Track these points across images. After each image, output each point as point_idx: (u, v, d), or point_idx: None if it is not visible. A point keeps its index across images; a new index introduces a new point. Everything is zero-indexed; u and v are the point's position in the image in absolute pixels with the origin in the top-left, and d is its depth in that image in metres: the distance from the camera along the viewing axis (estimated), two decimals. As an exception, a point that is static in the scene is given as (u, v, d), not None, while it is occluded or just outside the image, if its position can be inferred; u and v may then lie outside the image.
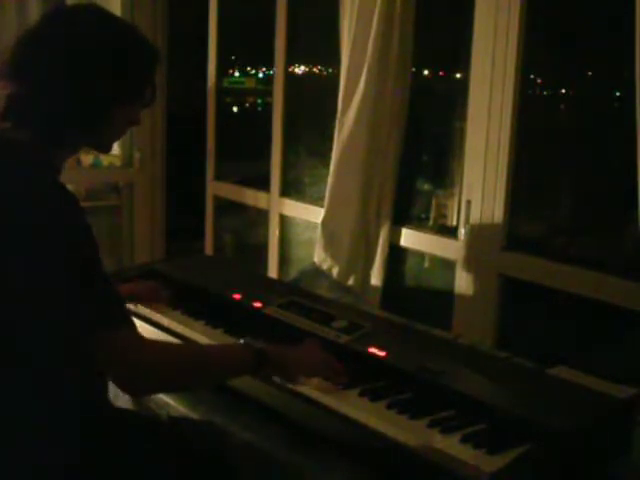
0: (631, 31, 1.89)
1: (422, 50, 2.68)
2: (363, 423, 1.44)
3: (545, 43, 2.44)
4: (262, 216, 3.54)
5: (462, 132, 2.57)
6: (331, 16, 2.80)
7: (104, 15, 1.48)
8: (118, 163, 4.20)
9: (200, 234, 4.03)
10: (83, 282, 1.31)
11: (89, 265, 1.33)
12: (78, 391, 1.39)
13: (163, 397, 1.75)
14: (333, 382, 1.59)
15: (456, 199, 2.61)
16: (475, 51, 2.45)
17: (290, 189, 3.39)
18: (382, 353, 1.67)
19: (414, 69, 2.71)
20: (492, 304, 2.48)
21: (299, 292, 2.13)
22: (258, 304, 1.97)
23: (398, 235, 2.78)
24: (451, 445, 1.34)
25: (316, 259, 2.84)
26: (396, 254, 2.81)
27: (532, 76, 2.46)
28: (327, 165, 2.83)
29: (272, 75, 3.41)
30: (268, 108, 3.46)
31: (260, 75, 4.12)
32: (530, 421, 1.38)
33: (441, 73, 2.91)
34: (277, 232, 3.43)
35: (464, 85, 2.54)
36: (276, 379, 1.59)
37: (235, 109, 4.40)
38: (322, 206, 2.86)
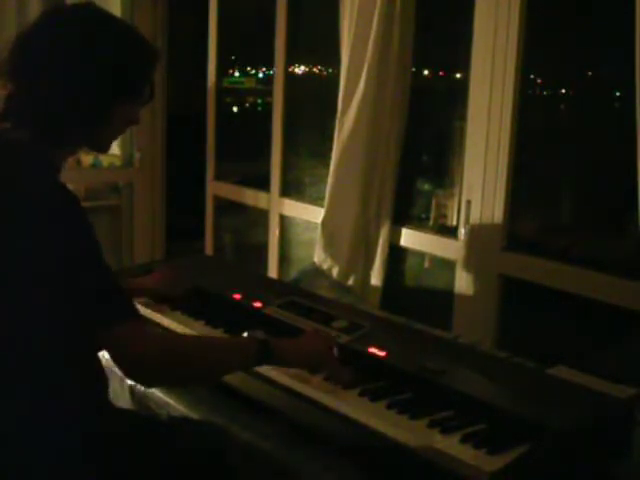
0: (631, 31, 1.89)
1: (422, 50, 2.68)
2: (363, 423, 1.44)
3: (545, 43, 2.44)
4: (262, 216, 3.54)
5: (462, 132, 2.57)
6: (331, 16, 2.80)
7: (103, 14, 1.48)
8: (118, 163, 4.19)
9: (200, 234, 4.03)
10: (85, 280, 1.31)
11: (91, 263, 1.33)
12: (78, 391, 1.39)
13: (163, 397, 1.75)
14: (336, 376, 1.59)
15: (456, 199, 2.61)
16: (475, 51, 2.45)
17: (290, 189, 3.39)
18: (382, 353, 1.67)
19: (414, 69, 2.72)
20: (492, 304, 2.48)
21: (299, 292, 2.13)
22: (258, 304, 1.97)
23: (398, 235, 2.78)
24: (451, 445, 1.34)
25: (316, 259, 2.84)
26: (396, 254, 2.81)
27: (532, 76, 2.46)
28: (327, 165, 2.83)
29: (272, 75, 3.41)
30: (268, 108, 3.46)
31: (260, 75, 4.12)
32: (530, 421, 1.38)
33: (441, 73, 2.91)
34: (277, 232, 3.44)
35: (464, 85, 2.54)
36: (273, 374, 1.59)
37: (235, 109, 4.40)
38: (322, 206, 2.86)
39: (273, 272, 3.47)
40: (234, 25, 3.75)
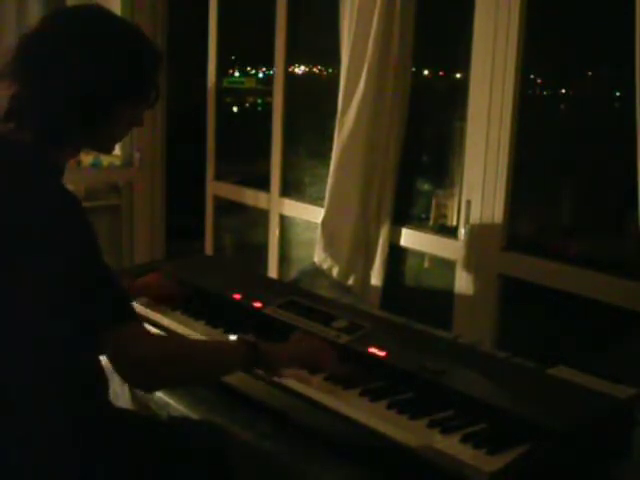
0: (631, 31, 1.89)
1: (422, 50, 2.69)
2: (363, 423, 1.44)
3: (545, 43, 2.44)
4: (262, 216, 3.54)
5: (462, 132, 2.57)
6: (331, 16, 2.80)
7: (106, 16, 1.48)
8: (118, 163, 4.20)
9: (200, 234, 4.03)
10: (85, 283, 1.31)
11: (91, 265, 1.33)
12: (78, 391, 1.39)
13: (163, 397, 1.75)
14: (334, 372, 1.59)
15: (456, 199, 2.61)
16: (475, 51, 2.45)
17: (290, 189, 3.39)
18: (382, 353, 1.67)
19: (414, 69, 2.72)
20: (492, 304, 2.48)
21: (299, 292, 2.13)
22: (258, 304, 1.97)
23: (398, 235, 2.78)
24: (451, 445, 1.34)
25: (316, 259, 2.84)
26: (396, 254, 2.81)
27: (532, 76, 2.46)
28: (327, 165, 2.82)
29: (272, 75, 3.41)
30: (268, 108, 3.46)
31: (260, 75, 4.12)
32: (530, 421, 1.38)
33: (441, 73, 2.91)
34: (277, 232, 3.44)
35: (464, 85, 2.54)
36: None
37: (235, 109, 4.39)
38: (322, 206, 2.86)
39: (273, 272, 3.47)
40: (234, 25, 3.75)
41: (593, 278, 2.22)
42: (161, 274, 2.15)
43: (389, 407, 1.48)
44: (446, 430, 1.39)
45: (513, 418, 1.40)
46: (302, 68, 3.43)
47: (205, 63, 3.81)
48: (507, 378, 1.63)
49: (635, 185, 1.93)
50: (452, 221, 2.63)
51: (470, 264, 2.53)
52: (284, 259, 3.47)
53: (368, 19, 2.58)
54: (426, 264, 2.82)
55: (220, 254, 3.99)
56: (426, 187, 2.81)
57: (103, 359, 1.44)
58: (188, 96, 4.46)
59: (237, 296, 2.04)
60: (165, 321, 1.94)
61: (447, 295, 2.63)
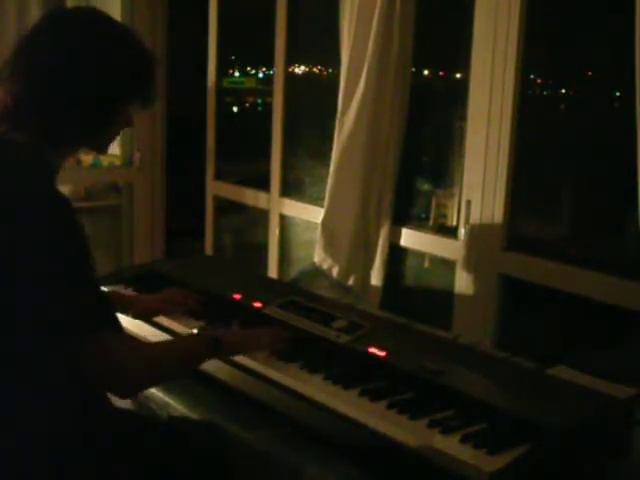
0: (631, 31, 1.89)
1: (422, 50, 2.68)
2: (363, 423, 1.44)
3: (545, 43, 2.44)
4: (262, 216, 3.54)
5: (462, 132, 2.57)
6: (331, 16, 2.80)
7: (104, 17, 1.48)
8: (118, 163, 4.20)
9: (200, 234, 4.03)
10: (68, 283, 1.31)
11: (76, 267, 1.33)
12: (78, 391, 1.39)
13: (163, 397, 1.75)
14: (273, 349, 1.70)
15: (456, 199, 2.61)
16: (475, 51, 2.45)
17: (290, 189, 3.39)
18: (382, 353, 1.67)
19: (414, 69, 2.72)
20: (492, 304, 2.48)
21: (299, 292, 2.13)
22: (258, 304, 1.97)
23: (398, 235, 2.78)
24: (451, 445, 1.34)
25: (316, 259, 2.84)
26: (396, 254, 2.81)
27: (532, 76, 2.46)
28: (327, 165, 2.83)
29: (272, 75, 3.41)
30: (268, 108, 3.46)
31: (260, 75, 4.12)
32: (530, 421, 1.38)
33: (441, 73, 2.91)
34: (277, 232, 3.44)
35: (464, 85, 2.54)
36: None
37: (235, 109, 4.40)
38: (322, 206, 2.86)
39: (273, 272, 3.47)
40: (234, 25, 3.75)
41: (593, 278, 2.22)
42: (169, 294, 2.07)
43: (389, 407, 1.48)
44: (446, 430, 1.39)
45: (513, 418, 1.40)
46: (302, 68, 3.43)
47: (205, 63, 3.81)
48: (507, 378, 1.63)
49: (635, 185, 1.93)
50: (452, 221, 2.63)
51: (470, 264, 2.53)
52: (284, 259, 3.47)
53: (368, 19, 2.58)
54: (426, 264, 2.82)
55: (220, 254, 3.99)
56: (426, 187, 2.81)
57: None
58: (188, 96, 4.46)
59: (237, 296, 2.04)
60: (165, 321, 1.94)
61: (447, 295, 2.63)
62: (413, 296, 2.89)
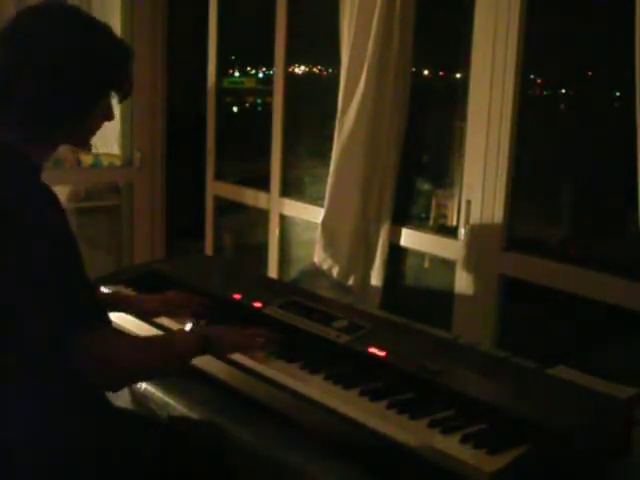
0: (631, 31, 1.89)
1: (422, 50, 2.68)
2: (363, 423, 1.44)
3: (545, 43, 2.44)
4: (262, 216, 3.54)
5: (462, 132, 2.57)
6: (331, 16, 2.80)
7: (79, 14, 1.47)
8: (118, 163, 4.19)
9: (200, 234, 4.03)
10: (57, 281, 1.31)
11: (64, 265, 1.33)
12: (78, 391, 1.39)
13: (163, 397, 1.75)
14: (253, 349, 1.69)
15: (456, 199, 2.61)
16: (475, 51, 2.45)
17: (290, 189, 3.39)
18: (382, 353, 1.67)
19: (414, 69, 2.71)
20: (492, 304, 2.48)
21: (299, 292, 2.13)
22: (258, 304, 1.97)
23: (398, 235, 2.78)
24: (451, 445, 1.34)
25: (316, 259, 2.84)
26: (396, 254, 2.81)
27: (532, 76, 2.46)
28: (327, 165, 2.82)
29: (272, 75, 3.41)
30: (268, 108, 3.46)
31: (260, 75, 4.12)
32: (530, 421, 1.38)
33: (441, 73, 2.91)
34: (277, 232, 3.44)
35: (464, 85, 2.54)
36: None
37: (235, 109, 4.39)
38: (322, 206, 2.86)
39: (273, 272, 3.47)
40: (234, 25, 3.75)
41: (593, 278, 2.22)
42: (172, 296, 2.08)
43: (389, 407, 1.48)
44: (446, 430, 1.39)
45: (513, 418, 1.40)
46: (302, 68, 3.43)
47: (205, 63, 3.81)
48: (507, 378, 1.63)
49: (635, 185, 1.93)
50: (452, 221, 2.63)
51: (470, 264, 2.53)
52: (284, 259, 3.47)
53: (368, 19, 2.58)
54: (426, 264, 2.82)
55: (220, 254, 3.99)
56: (426, 187, 2.81)
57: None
58: (188, 96, 4.45)
59: (237, 296, 2.04)
60: (165, 321, 1.94)
61: (447, 295, 2.62)
62: (413, 296, 2.88)
